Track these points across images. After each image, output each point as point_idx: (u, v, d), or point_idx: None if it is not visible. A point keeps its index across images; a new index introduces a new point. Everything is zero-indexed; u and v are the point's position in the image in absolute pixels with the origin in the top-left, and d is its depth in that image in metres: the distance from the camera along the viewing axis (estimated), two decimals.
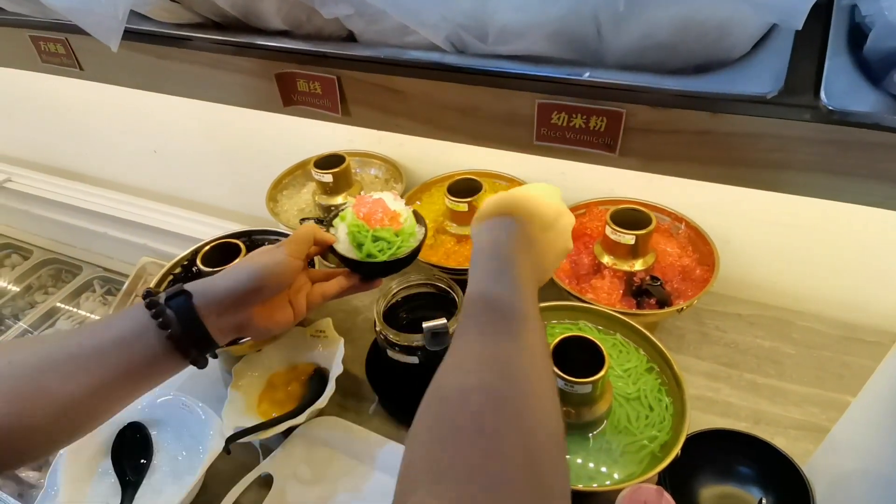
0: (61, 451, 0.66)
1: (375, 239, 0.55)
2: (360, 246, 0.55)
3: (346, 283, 0.58)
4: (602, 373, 0.54)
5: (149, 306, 0.45)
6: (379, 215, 0.55)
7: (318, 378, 0.76)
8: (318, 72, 0.50)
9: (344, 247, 0.56)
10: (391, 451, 0.68)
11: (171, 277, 0.81)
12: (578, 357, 0.56)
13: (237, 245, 0.75)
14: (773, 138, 0.39)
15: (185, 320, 0.45)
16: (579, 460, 0.56)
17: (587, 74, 0.39)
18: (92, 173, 1.47)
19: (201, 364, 0.48)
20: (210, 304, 0.47)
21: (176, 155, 1.30)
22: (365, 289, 0.59)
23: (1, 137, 1.58)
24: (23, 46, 0.66)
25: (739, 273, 0.84)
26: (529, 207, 0.47)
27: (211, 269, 0.72)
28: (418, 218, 0.60)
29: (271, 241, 0.85)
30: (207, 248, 0.76)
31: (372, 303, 0.93)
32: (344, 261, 0.56)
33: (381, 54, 0.46)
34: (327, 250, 0.57)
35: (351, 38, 0.48)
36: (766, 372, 0.76)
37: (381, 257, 0.55)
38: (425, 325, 0.64)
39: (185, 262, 0.83)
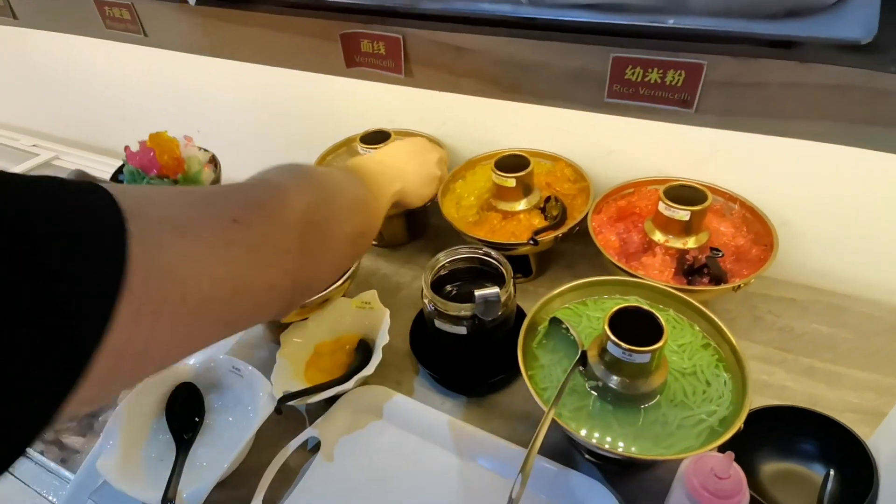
0: (117, 408, 0.68)
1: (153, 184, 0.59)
2: None
3: None
4: (661, 342, 0.53)
5: None
6: (157, 163, 0.58)
7: (363, 348, 0.76)
8: (383, 31, 0.50)
9: None
10: (437, 421, 0.68)
11: None
12: (634, 329, 0.55)
13: None
14: (863, 90, 0.37)
15: None
16: (633, 431, 0.55)
17: (671, 21, 0.38)
18: None
19: None
20: None
21: (219, 135, 1.32)
22: None
23: (49, 116, 1.63)
24: (87, 12, 0.68)
25: (794, 257, 0.81)
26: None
27: None
28: (215, 161, 0.63)
29: None
30: None
31: (412, 280, 0.94)
32: None
33: (452, 8, 0.45)
34: None
35: None
36: (822, 356, 0.74)
37: None
38: (477, 292, 0.63)
39: None
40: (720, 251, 0.68)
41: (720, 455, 0.45)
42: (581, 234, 0.83)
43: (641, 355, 0.53)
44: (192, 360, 0.74)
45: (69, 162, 1.48)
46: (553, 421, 0.54)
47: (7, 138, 1.62)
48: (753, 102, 0.41)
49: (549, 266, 0.90)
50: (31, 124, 1.67)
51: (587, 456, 0.64)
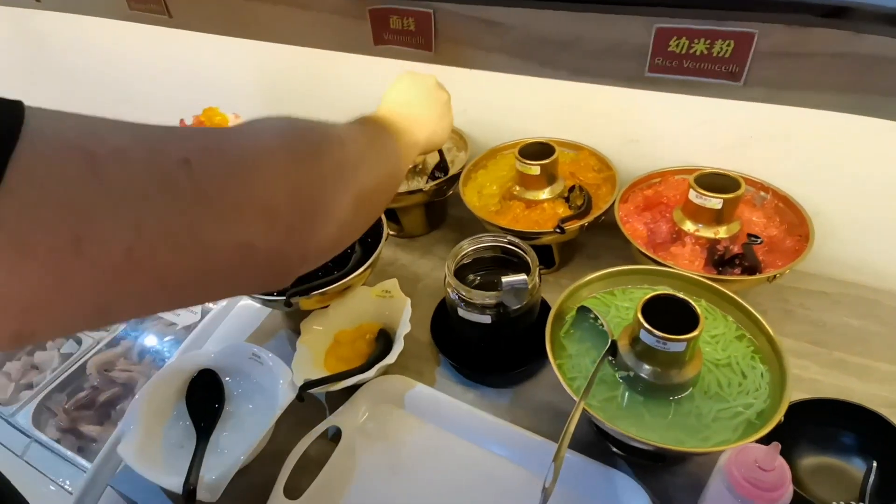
0: (137, 394, 0.67)
1: None
2: None
3: None
4: (697, 331, 0.51)
5: None
6: None
7: (383, 338, 0.75)
8: (413, 6, 0.49)
9: None
10: (458, 411, 0.67)
11: None
12: (667, 317, 0.53)
13: None
14: None
15: None
16: (665, 423, 0.54)
17: None
18: None
19: None
20: None
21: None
22: None
23: (63, 107, 1.63)
24: None
25: (826, 249, 0.79)
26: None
27: None
28: None
29: None
30: None
31: (432, 270, 0.92)
32: None
33: None
34: None
35: None
36: (854, 350, 0.72)
37: None
38: (504, 279, 0.62)
39: None
40: (758, 238, 0.65)
41: (764, 446, 0.43)
42: (605, 225, 0.81)
43: (676, 343, 0.51)
44: (212, 346, 0.73)
45: None
46: (582, 411, 0.53)
47: None
48: (803, 74, 0.39)
49: (572, 257, 0.88)
50: None
51: (615, 448, 0.62)
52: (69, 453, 0.93)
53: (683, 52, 0.40)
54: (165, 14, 0.64)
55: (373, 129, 0.48)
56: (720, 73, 0.40)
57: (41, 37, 1.48)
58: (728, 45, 0.39)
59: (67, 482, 0.89)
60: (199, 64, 1.23)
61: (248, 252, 0.31)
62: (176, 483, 0.57)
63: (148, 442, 0.63)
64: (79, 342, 1.09)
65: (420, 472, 0.63)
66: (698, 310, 0.52)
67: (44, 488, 0.90)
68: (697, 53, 0.40)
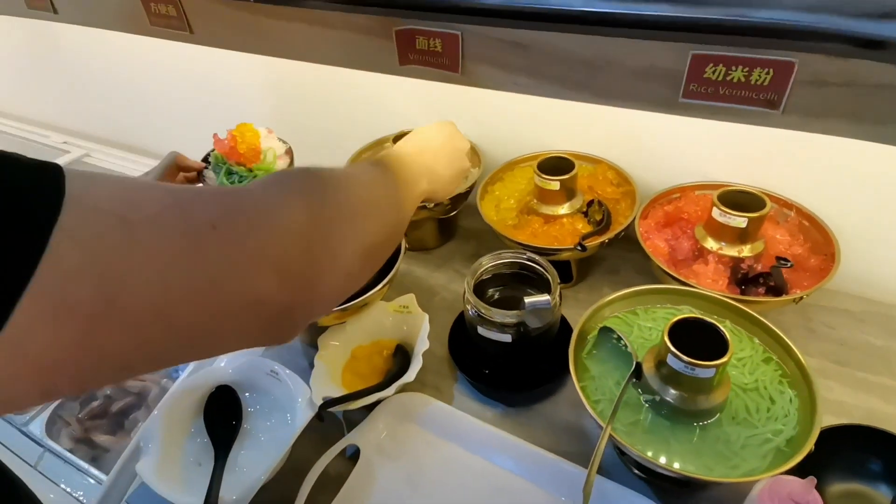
0: (155, 410, 0.67)
1: (230, 172, 0.62)
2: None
3: None
4: (727, 357, 0.50)
5: None
6: (237, 151, 0.61)
7: (401, 353, 0.74)
8: (440, 27, 0.48)
9: (209, 175, 0.63)
10: (478, 430, 0.66)
11: None
12: (694, 340, 0.53)
13: None
14: None
15: None
16: (692, 448, 0.53)
17: (761, 15, 0.35)
18: (167, 152, 1.51)
19: None
20: None
21: None
22: None
23: (82, 116, 1.64)
24: (131, 8, 0.67)
25: (849, 267, 0.78)
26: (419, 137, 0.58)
27: None
28: (291, 156, 0.65)
29: None
30: None
31: (448, 282, 0.92)
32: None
33: (516, 3, 0.43)
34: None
35: None
36: (877, 370, 0.71)
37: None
38: (527, 300, 0.61)
39: None
40: (788, 261, 0.64)
41: (799, 479, 0.42)
42: (623, 238, 0.80)
43: (705, 370, 0.50)
44: (227, 362, 0.73)
45: (99, 160, 1.49)
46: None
47: (38, 135, 1.64)
48: (843, 104, 0.38)
49: (589, 272, 0.87)
50: (62, 121, 1.69)
51: (636, 471, 0.61)
52: (83, 464, 0.93)
53: (720, 79, 0.39)
54: (187, 30, 0.64)
55: (383, 177, 0.48)
56: (758, 101, 0.39)
57: (57, 43, 1.48)
58: (767, 73, 0.38)
59: (81, 493, 0.89)
60: (214, 78, 1.23)
61: (260, 308, 0.33)
62: (195, 503, 0.56)
63: (166, 460, 0.62)
64: None
65: (439, 491, 0.62)
66: (727, 335, 0.52)
67: (58, 498, 0.90)
68: (735, 81, 0.39)
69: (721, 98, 0.40)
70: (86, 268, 0.25)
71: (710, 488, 0.60)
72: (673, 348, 0.51)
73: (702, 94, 0.41)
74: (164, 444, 0.63)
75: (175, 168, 0.62)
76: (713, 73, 0.40)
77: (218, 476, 0.61)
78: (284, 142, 0.65)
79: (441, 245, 0.97)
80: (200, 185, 0.97)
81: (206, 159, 0.65)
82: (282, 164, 0.64)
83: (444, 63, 0.50)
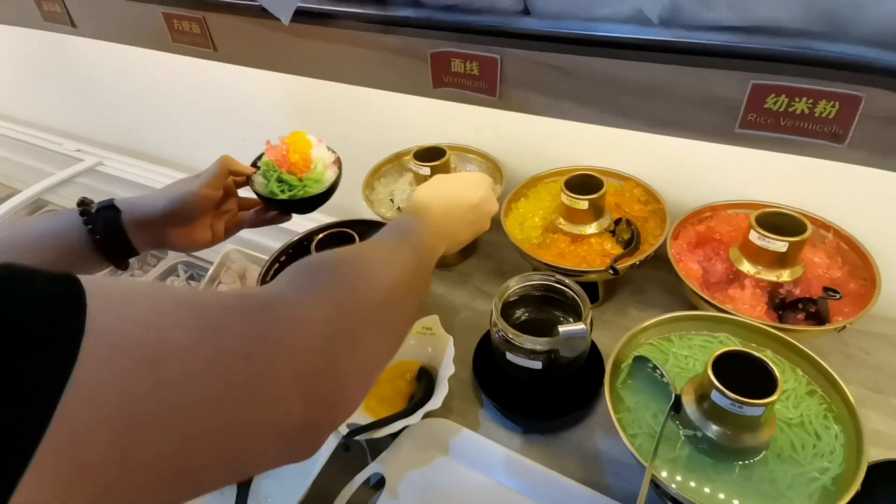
0: None
1: (280, 180, 0.61)
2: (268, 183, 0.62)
3: (259, 214, 0.66)
4: (776, 395, 0.48)
5: (82, 213, 0.53)
6: (288, 160, 0.61)
7: (425, 377, 0.72)
8: (479, 50, 0.46)
9: (259, 181, 0.62)
10: (508, 461, 0.64)
11: (276, 265, 0.80)
12: (738, 375, 0.50)
13: (350, 234, 0.73)
14: None
15: (111, 231, 0.54)
16: (737, 488, 0.51)
17: (830, 47, 0.33)
18: (180, 160, 1.50)
19: (122, 266, 0.57)
20: (133, 220, 0.55)
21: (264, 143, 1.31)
22: (276, 221, 0.67)
23: (95, 123, 1.63)
24: (153, 24, 0.66)
25: (887, 290, 0.75)
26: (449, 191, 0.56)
27: None
28: (339, 166, 0.65)
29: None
30: (322, 235, 0.75)
31: (470, 300, 0.90)
32: (255, 193, 0.63)
33: (563, 28, 0.41)
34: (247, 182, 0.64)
35: (524, 13, 0.44)
36: None
37: (281, 196, 0.61)
38: (562, 329, 0.59)
39: (290, 251, 0.82)
40: (838, 293, 0.62)
41: None
42: (652, 257, 0.78)
43: (753, 408, 0.48)
44: None
45: (113, 168, 1.47)
46: (633, 465, 0.50)
47: (51, 143, 1.63)
48: None
49: (615, 292, 0.85)
50: (75, 129, 1.68)
51: None
52: None
53: (782, 110, 0.37)
54: (210, 48, 0.63)
55: (410, 255, 0.46)
56: (822, 134, 0.37)
57: (70, 51, 1.47)
58: (833, 106, 0.36)
59: None
60: (231, 89, 1.22)
61: (284, 435, 0.30)
62: None
63: None
64: None
65: None
66: (776, 371, 0.49)
67: None
68: (797, 112, 0.37)
69: (782, 129, 0.38)
70: (103, 423, 0.21)
71: None
72: (718, 384, 0.49)
73: (761, 124, 0.39)
74: None
75: (225, 172, 0.61)
76: (774, 103, 0.38)
77: None
78: (333, 151, 0.64)
79: (460, 262, 0.96)
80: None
81: (255, 164, 0.64)
82: (331, 174, 0.63)
83: (480, 87, 0.48)
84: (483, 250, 0.98)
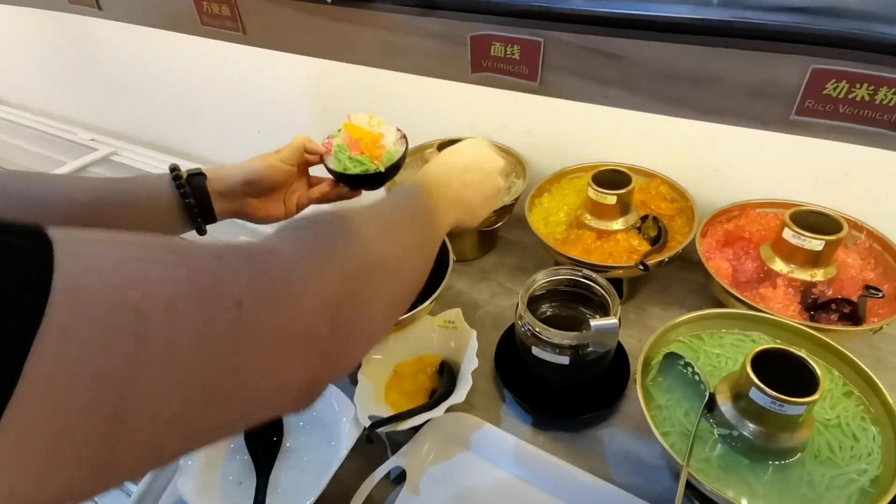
0: None
1: (352, 160, 0.63)
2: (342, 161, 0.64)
3: (328, 189, 0.67)
4: (818, 394, 0.47)
5: (175, 177, 0.57)
6: (358, 143, 0.63)
7: (447, 371, 0.71)
8: (521, 34, 0.45)
9: (331, 159, 0.64)
10: (530, 456, 0.63)
11: None
12: (776, 374, 0.49)
13: None
14: None
15: (199, 196, 0.58)
16: (774, 490, 0.49)
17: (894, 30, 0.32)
18: (196, 152, 1.49)
19: (201, 232, 0.60)
20: (216, 187, 0.59)
21: (280, 136, 1.30)
22: (345, 197, 0.68)
23: (109, 113, 1.63)
24: (180, 7, 0.65)
25: None
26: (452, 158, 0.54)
27: None
28: (406, 141, 0.66)
29: None
30: None
31: (492, 297, 0.89)
32: (327, 169, 0.65)
33: (612, 9, 0.40)
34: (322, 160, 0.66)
35: None
36: None
37: (353, 171, 0.63)
38: (593, 322, 0.58)
39: None
40: (880, 291, 0.61)
41: None
42: (678, 256, 0.77)
43: (795, 407, 0.47)
44: None
45: (127, 158, 1.47)
46: (661, 466, 0.48)
47: (66, 132, 1.63)
48: None
49: (639, 289, 0.84)
50: (90, 119, 1.68)
51: None
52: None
53: (841, 96, 0.36)
54: (239, 31, 0.62)
55: (414, 218, 0.45)
56: (882, 122, 0.36)
57: (84, 40, 1.47)
58: (893, 93, 0.35)
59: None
60: (249, 78, 1.21)
61: (283, 390, 0.29)
62: None
63: (206, 478, 0.60)
64: None
65: None
66: (818, 369, 0.48)
67: None
68: (858, 99, 0.36)
69: (840, 117, 0.37)
70: (76, 393, 0.20)
71: None
72: (759, 382, 0.48)
73: (818, 111, 0.38)
74: (204, 461, 0.61)
75: (301, 149, 0.64)
76: (834, 89, 0.36)
77: (261, 495, 0.58)
78: (399, 129, 0.65)
79: (481, 257, 0.95)
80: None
81: (330, 136, 0.67)
82: (398, 149, 0.65)
83: (521, 72, 0.47)
84: (504, 246, 0.97)
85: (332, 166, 0.65)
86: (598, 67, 0.44)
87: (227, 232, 1.15)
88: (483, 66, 0.49)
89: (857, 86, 0.36)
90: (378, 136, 0.63)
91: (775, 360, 0.50)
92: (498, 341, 0.75)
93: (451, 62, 0.50)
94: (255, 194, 0.62)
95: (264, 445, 0.64)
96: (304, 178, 0.68)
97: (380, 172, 0.64)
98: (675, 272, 0.85)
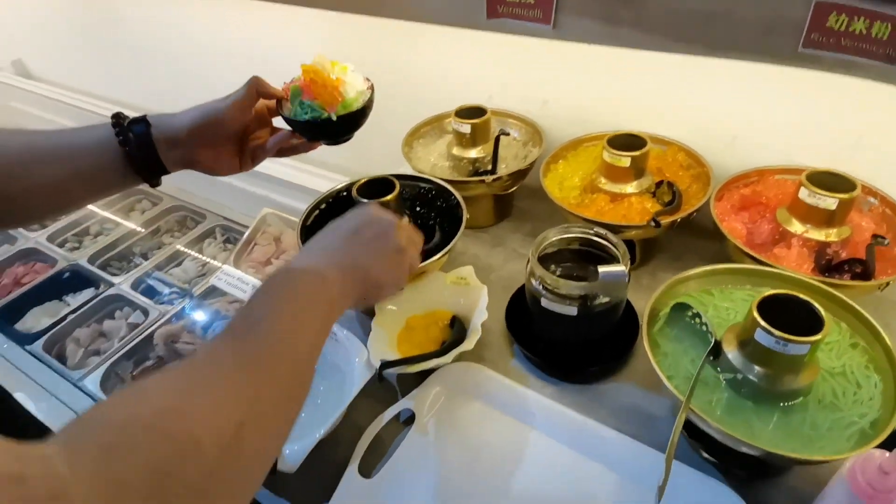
0: None
1: (302, 105, 0.59)
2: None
3: (285, 140, 0.63)
4: (823, 333, 0.47)
5: (114, 125, 0.53)
6: (310, 86, 0.59)
7: (457, 326, 0.73)
8: None
9: (286, 105, 0.61)
10: (535, 403, 0.64)
11: (316, 212, 0.82)
12: (783, 320, 0.50)
13: (391, 181, 0.74)
14: None
15: (142, 145, 0.53)
16: (776, 431, 0.50)
17: None
18: None
19: (153, 183, 0.57)
20: (162, 135, 0.55)
21: None
22: (299, 151, 0.65)
23: (135, 88, 1.68)
24: None
25: None
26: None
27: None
28: (371, 93, 0.63)
29: (412, 188, 0.83)
30: (363, 181, 0.76)
31: (505, 262, 0.90)
32: (281, 116, 0.62)
33: None
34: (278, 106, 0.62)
35: None
36: None
37: (303, 117, 0.59)
38: (601, 269, 0.59)
39: (330, 199, 0.84)
40: (885, 239, 0.61)
41: (887, 451, 0.40)
42: (689, 224, 0.77)
43: (798, 346, 0.48)
44: None
45: None
46: (667, 417, 0.49)
47: (94, 106, 1.68)
48: None
49: (652, 256, 0.84)
50: (116, 93, 1.73)
51: (706, 455, 0.58)
52: None
53: (842, 29, 0.37)
54: None
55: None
56: (878, 55, 0.37)
57: (111, 15, 1.53)
58: (886, 27, 0.36)
59: None
60: (270, 49, 1.24)
61: None
62: None
63: None
64: (146, 313, 1.11)
65: (492, 460, 0.61)
66: (822, 311, 0.49)
67: None
68: (856, 32, 0.37)
69: (841, 49, 0.38)
70: None
71: (784, 477, 0.56)
72: (763, 322, 0.49)
73: (823, 43, 0.39)
74: None
75: (253, 94, 0.59)
76: (836, 22, 0.37)
77: None
78: (367, 79, 0.62)
79: (495, 224, 0.96)
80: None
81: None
82: (362, 99, 0.62)
83: (535, 16, 0.49)
84: (518, 215, 0.98)
85: (285, 113, 0.60)
86: (612, 8, 0.45)
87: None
88: (498, 12, 0.51)
89: (856, 19, 0.37)
90: (336, 80, 0.59)
91: (782, 305, 0.51)
92: (509, 299, 0.77)
93: (467, 8, 0.52)
94: (205, 143, 0.57)
95: None
96: (266, 128, 0.63)
97: (331, 121, 0.59)
98: (689, 240, 0.85)
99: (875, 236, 0.62)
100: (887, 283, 0.60)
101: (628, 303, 0.72)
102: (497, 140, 0.88)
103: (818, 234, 0.65)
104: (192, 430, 0.27)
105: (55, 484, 0.22)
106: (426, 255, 0.72)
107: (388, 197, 0.71)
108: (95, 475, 0.23)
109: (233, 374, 0.32)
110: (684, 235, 0.84)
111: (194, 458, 0.26)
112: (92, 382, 0.99)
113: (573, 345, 0.69)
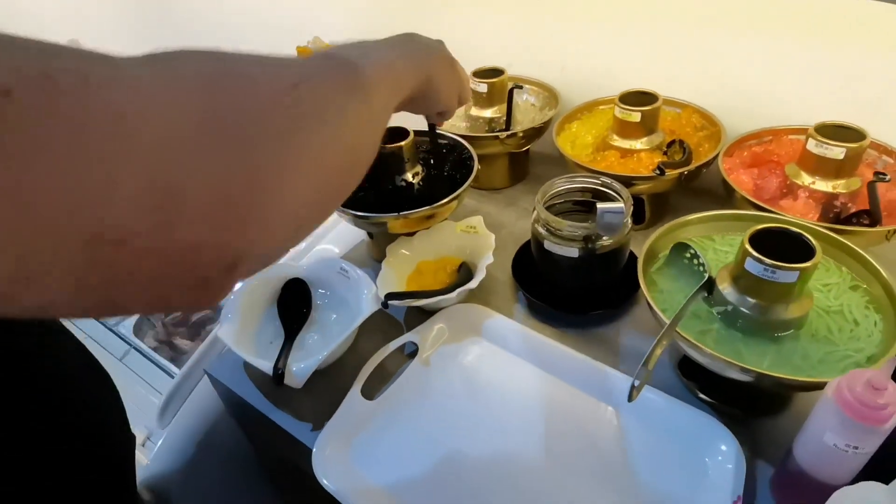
0: (234, 293, 0.71)
1: None
2: None
3: None
4: (813, 260, 0.48)
5: None
6: None
7: (465, 272, 0.76)
8: None
9: None
10: (536, 342, 0.66)
11: None
12: (777, 253, 0.50)
13: (404, 129, 0.77)
14: None
15: None
16: (766, 360, 0.51)
17: None
18: None
19: None
20: None
21: None
22: None
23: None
24: None
25: None
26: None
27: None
28: None
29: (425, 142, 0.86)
30: None
31: (516, 220, 0.92)
32: None
33: None
34: None
35: None
36: None
37: None
38: (599, 205, 0.61)
39: None
40: (886, 175, 0.60)
41: (876, 370, 0.40)
42: (701, 185, 0.77)
43: (787, 273, 0.48)
44: (299, 259, 0.77)
45: None
46: (663, 360, 0.51)
47: None
48: None
49: (662, 217, 0.85)
50: None
51: (701, 395, 0.59)
52: (164, 361, 1.01)
53: None
54: None
55: (341, 68, 0.34)
56: None
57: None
58: None
59: (157, 384, 0.97)
60: (292, 24, 1.29)
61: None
62: (266, 366, 0.60)
63: (243, 332, 0.67)
64: None
65: (488, 389, 0.63)
66: (814, 242, 0.49)
67: (138, 388, 0.98)
68: None
69: None
70: None
71: (775, 416, 0.57)
72: (753, 251, 0.50)
73: None
74: (243, 320, 0.68)
75: None
76: None
77: (287, 348, 0.65)
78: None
79: (510, 186, 0.98)
80: None
81: None
82: None
83: None
84: (533, 179, 1.00)
85: None
86: None
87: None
88: None
89: None
90: None
91: (774, 238, 0.52)
92: (517, 251, 0.79)
93: None
94: None
95: (294, 315, 0.71)
96: None
97: None
98: (701, 204, 0.84)
99: (877, 173, 0.61)
100: (893, 231, 0.59)
101: (633, 256, 0.73)
102: (510, 94, 0.91)
103: (825, 185, 0.65)
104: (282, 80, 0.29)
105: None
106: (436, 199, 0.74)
107: (402, 142, 0.74)
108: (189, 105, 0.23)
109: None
110: (695, 200, 0.85)
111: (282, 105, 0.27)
112: (126, 327, 1.06)
113: (575, 289, 0.71)
